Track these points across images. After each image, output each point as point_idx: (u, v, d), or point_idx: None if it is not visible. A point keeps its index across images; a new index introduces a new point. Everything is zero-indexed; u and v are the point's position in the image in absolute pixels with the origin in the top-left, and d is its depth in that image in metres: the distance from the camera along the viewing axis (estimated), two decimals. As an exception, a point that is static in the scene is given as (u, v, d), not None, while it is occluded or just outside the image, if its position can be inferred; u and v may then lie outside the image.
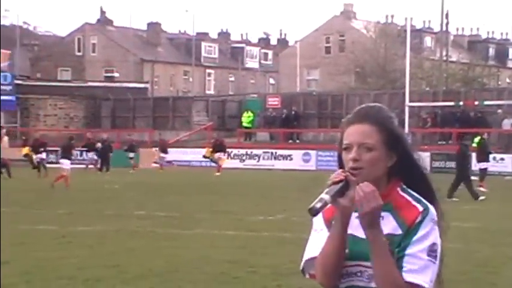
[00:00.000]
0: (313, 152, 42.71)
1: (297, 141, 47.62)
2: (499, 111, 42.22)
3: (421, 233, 2.71)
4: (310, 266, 2.82)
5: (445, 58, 56.39)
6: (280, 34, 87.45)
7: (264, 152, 43.75)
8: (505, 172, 33.11)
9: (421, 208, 2.75)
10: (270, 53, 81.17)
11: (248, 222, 15.68)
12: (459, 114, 42.46)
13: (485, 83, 62.90)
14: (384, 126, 2.78)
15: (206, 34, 78.94)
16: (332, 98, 50.59)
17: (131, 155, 41.29)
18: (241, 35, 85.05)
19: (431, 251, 2.70)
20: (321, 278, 2.76)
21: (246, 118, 50.12)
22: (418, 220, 2.72)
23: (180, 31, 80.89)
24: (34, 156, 34.41)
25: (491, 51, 77.27)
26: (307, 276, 2.86)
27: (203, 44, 74.70)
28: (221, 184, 29.09)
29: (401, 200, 2.78)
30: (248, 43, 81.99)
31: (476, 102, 41.26)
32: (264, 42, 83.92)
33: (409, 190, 2.81)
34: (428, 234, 2.71)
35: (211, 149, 38.07)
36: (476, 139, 34.66)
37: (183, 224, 15.38)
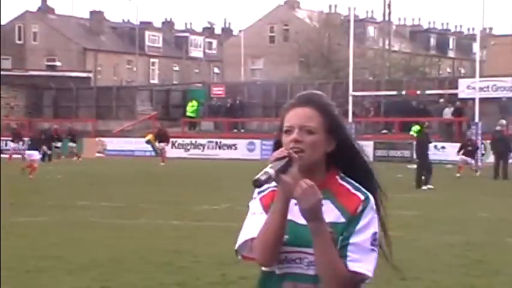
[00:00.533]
0: (257, 141, 42.78)
1: (242, 130, 47.65)
2: (441, 100, 42.84)
3: (363, 222, 2.73)
4: (245, 247, 2.81)
5: (387, 48, 57.02)
6: (225, 23, 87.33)
7: (209, 142, 43.69)
8: (445, 160, 33.59)
9: (362, 196, 2.77)
10: (215, 42, 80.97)
11: (193, 212, 15.65)
12: (401, 103, 42.96)
13: (426, 72, 63.81)
14: (325, 112, 2.81)
15: (150, 23, 78.34)
16: (276, 87, 50.72)
17: (72, 144, 40.69)
18: (186, 24, 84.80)
19: (373, 239, 2.73)
20: (260, 256, 2.74)
21: (191, 107, 49.95)
22: (359, 209, 2.74)
23: (123, 20, 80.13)
24: None
25: (433, 41, 78.38)
26: (240, 257, 2.86)
27: (147, 33, 74.12)
28: (165, 174, 28.96)
29: (340, 188, 2.80)
30: (192, 32, 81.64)
31: (418, 92, 41.77)
32: (208, 31, 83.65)
33: (348, 179, 2.83)
34: (370, 223, 2.74)
35: (154, 137, 37.82)
36: (415, 128, 35.18)
37: (127, 214, 15.27)
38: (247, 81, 59.48)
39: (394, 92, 41.49)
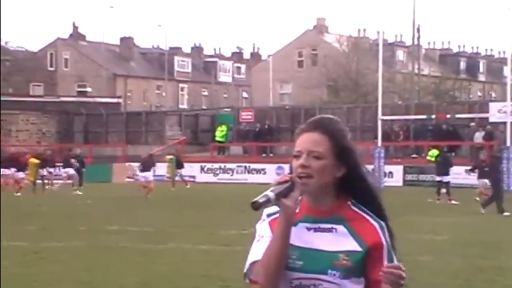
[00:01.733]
0: (286, 166, 42.36)
1: (271, 154, 47.66)
2: (472, 124, 42.58)
3: (389, 252, 2.75)
4: (252, 270, 2.82)
5: (416, 71, 56.86)
6: (253, 48, 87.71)
7: (238, 166, 43.72)
8: (477, 185, 33.31)
9: (377, 225, 2.78)
10: (243, 67, 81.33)
11: (221, 236, 15.65)
12: (431, 127, 42.76)
13: (456, 96, 63.46)
14: (334, 136, 2.80)
15: (179, 48, 78.93)
16: (305, 111, 50.64)
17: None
18: (214, 49, 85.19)
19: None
20: (262, 280, 2.75)
21: (220, 132, 50.09)
22: (381, 239, 2.75)
23: (153, 46, 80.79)
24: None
25: (462, 64, 78.05)
26: (247, 281, 2.86)
27: (176, 58, 74.68)
28: (194, 198, 29.02)
29: (354, 215, 2.79)
30: (221, 57, 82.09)
31: (448, 115, 41.58)
32: (237, 56, 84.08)
33: (359, 205, 2.82)
34: (391, 251, 2.78)
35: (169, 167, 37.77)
36: (431, 152, 34.89)
37: (156, 238, 15.32)
38: (276, 105, 59.54)
39: (424, 116, 41.33)
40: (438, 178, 27.50)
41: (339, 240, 2.73)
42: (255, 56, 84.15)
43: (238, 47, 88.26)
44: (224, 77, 79.22)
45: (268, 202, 2.69)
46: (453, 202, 25.95)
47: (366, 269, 2.73)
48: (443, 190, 27.02)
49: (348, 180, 2.81)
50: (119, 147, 49.65)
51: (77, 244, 14.37)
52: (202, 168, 43.72)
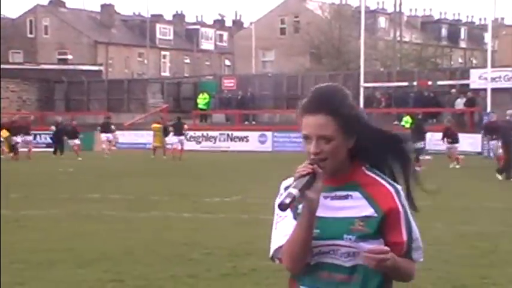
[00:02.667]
0: (269, 133, 42.77)
1: (253, 122, 47.62)
2: (453, 90, 42.68)
3: (406, 217, 2.80)
4: (279, 252, 2.87)
5: (398, 39, 56.81)
6: (235, 15, 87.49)
7: (220, 134, 43.69)
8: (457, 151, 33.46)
9: (391, 188, 2.81)
10: (225, 34, 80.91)
11: (204, 204, 15.65)
12: (413, 94, 42.83)
13: (438, 63, 63.52)
14: (338, 114, 2.79)
15: (160, 16, 78.32)
16: (287, 79, 50.64)
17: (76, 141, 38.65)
18: (196, 16, 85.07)
19: (415, 226, 2.85)
20: (288, 264, 2.83)
21: (202, 100, 49.94)
22: (398, 204, 2.79)
23: (134, 13, 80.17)
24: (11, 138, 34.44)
25: (444, 31, 78.03)
26: (277, 262, 2.91)
27: (158, 25, 74.13)
28: (176, 166, 28.98)
29: (368, 179, 2.83)
30: (203, 25, 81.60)
31: (429, 82, 41.64)
32: (219, 23, 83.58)
33: (374, 170, 2.86)
34: (409, 214, 2.83)
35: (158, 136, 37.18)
36: (406, 119, 35.07)
37: (139, 206, 15.29)
38: (258, 73, 59.39)
39: (406, 83, 41.39)
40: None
41: (354, 206, 2.79)
42: (237, 23, 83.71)
43: (220, 15, 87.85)
44: (206, 45, 78.80)
45: (294, 200, 2.72)
46: (417, 169, 26.08)
47: (383, 233, 2.79)
48: (425, 156, 27.22)
49: (361, 145, 2.84)
50: (100, 115, 49.37)
51: (59, 212, 14.31)
52: (184, 136, 43.59)
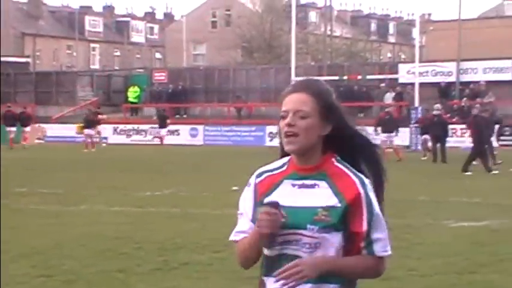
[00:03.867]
0: (200, 127, 42.70)
1: (184, 116, 47.48)
2: (382, 85, 43.30)
3: (370, 208, 2.83)
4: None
5: (329, 33, 57.31)
6: (166, 8, 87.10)
7: (151, 127, 43.41)
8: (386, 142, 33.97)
9: (357, 181, 2.85)
10: (156, 27, 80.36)
11: (135, 198, 15.54)
12: (343, 88, 43.30)
13: (367, 57, 64.38)
14: (320, 97, 2.87)
15: (89, 7, 77.37)
16: (219, 72, 50.61)
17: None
18: (126, 8, 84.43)
19: (383, 219, 2.89)
20: (239, 261, 2.96)
21: (132, 93, 49.55)
22: (361, 196, 2.82)
23: (62, 4, 78.98)
24: None
25: (373, 26, 79.13)
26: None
27: (87, 17, 73.19)
28: (107, 160, 28.70)
29: (336, 170, 2.87)
30: (133, 17, 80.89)
31: (359, 77, 42.15)
32: (150, 16, 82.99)
33: (343, 162, 2.90)
34: (377, 205, 2.87)
35: (81, 127, 37.43)
36: None
37: (68, 200, 15.09)
38: (190, 66, 59.20)
39: (336, 77, 41.78)
40: None
41: (320, 196, 2.82)
42: (168, 16, 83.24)
43: (150, 7, 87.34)
44: (137, 37, 78.13)
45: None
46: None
47: (346, 223, 2.82)
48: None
49: (335, 138, 2.89)
50: (28, 108, 48.42)
51: (-14, 207, 14.01)
52: (115, 130, 43.23)
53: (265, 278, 2.89)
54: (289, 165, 2.89)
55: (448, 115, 33.82)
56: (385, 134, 28.08)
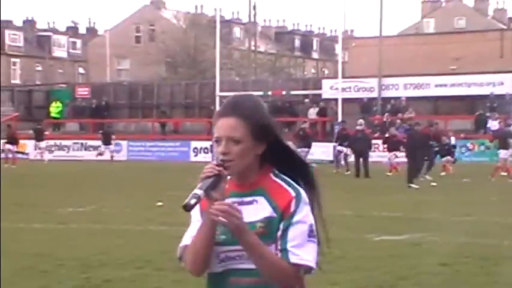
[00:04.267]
0: (124, 143, 42.32)
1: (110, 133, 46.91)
2: (306, 100, 43.74)
3: (298, 217, 2.83)
4: (184, 253, 2.90)
5: (253, 48, 57.68)
6: (89, 23, 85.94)
7: (74, 143, 42.88)
8: (310, 159, 34.36)
9: (293, 192, 2.87)
10: (79, 41, 79.42)
11: (57, 215, 15.30)
12: (268, 103, 43.57)
13: (292, 73, 64.98)
14: (249, 119, 2.87)
15: (10, 22, 75.92)
16: (143, 87, 50.36)
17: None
18: (48, 23, 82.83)
19: (310, 231, 2.86)
20: (190, 265, 2.85)
21: (55, 108, 48.81)
22: (292, 205, 2.84)
23: (-18, 18, 77.23)
24: None
25: (297, 42, 79.93)
26: (183, 264, 2.92)
27: (7, 31, 71.82)
28: (28, 176, 28.18)
29: (273, 184, 2.89)
30: (55, 31, 79.77)
31: (283, 92, 42.51)
32: (72, 30, 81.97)
33: (281, 175, 2.93)
34: (306, 217, 2.85)
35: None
36: None
37: (-13, 218, 14.73)
38: (113, 81, 58.70)
39: (260, 93, 42.02)
40: None
41: (258, 211, 2.84)
42: (91, 30, 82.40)
43: (73, 21, 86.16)
44: (59, 52, 77.07)
45: (198, 201, 2.74)
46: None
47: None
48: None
49: (270, 153, 2.92)
50: None
51: None
52: (36, 146, 42.42)
53: None
54: (228, 185, 2.87)
55: (370, 130, 34.35)
56: (300, 150, 28.49)
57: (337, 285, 8.48)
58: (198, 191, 2.74)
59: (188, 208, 2.73)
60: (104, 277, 8.82)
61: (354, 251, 10.80)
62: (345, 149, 29.94)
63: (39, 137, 40.27)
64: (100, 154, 39.67)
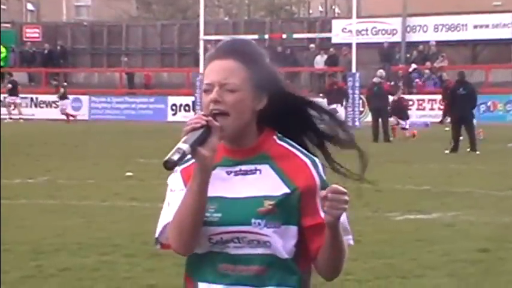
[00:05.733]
0: (84, 98, 42.30)
1: (64, 83, 46.88)
2: (311, 46, 43.64)
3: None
4: (165, 234, 2.85)
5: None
6: None
7: (22, 98, 42.75)
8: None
9: (308, 160, 2.84)
10: (28, -30, 79.03)
11: (2, 187, 15.30)
12: (264, 49, 43.48)
13: (293, 11, 64.77)
14: (251, 63, 2.83)
15: None
16: (108, 29, 50.17)
17: None
18: None
19: None
20: (176, 243, 2.80)
21: (-3, 55, 48.72)
22: (315, 176, 2.82)
23: None
24: None
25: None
26: (159, 246, 2.89)
27: None
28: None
29: (280, 150, 2.86)
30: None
31: (283, 35, 42.38)
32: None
33: (287, 139, 2.88)
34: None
35: None
36: None
37: None
38: (71, 21, 58.49)
39: (255, 36, 41.90)
40: None
41: (263, 183, 2.81)
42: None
43: None
44: (2, -16, 76.69)
45: (184, 157, 2.70)
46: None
47: (299, 215, 2.81)
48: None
49: (272, 111, 2.86)
50: None
51: None
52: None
53: (197, 283, 2.86)
54: (218, 148, 2.81)
55: (391, 83, 34.36)
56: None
57: (350, 274, 8.49)
58: (183, 145, 2.69)
59: (170, 165, 2.68)
60: (60, 265, 8.83)
61: (371, 233, 10.83)
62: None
63: (13, 90, 40.01)
64: (65, 113, 39.67)
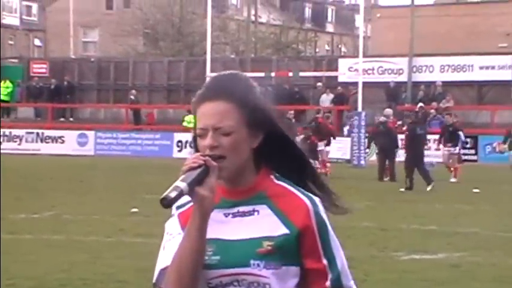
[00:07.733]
0: (90, 133, 42.31)
1: (71, 119, 47.02)
2: (318, 84, 43.71)
3: (326, 235, 2.78)
4: (163, 278, 2.77)
5: (253, 19, 57.64)
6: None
7: (27, 133, 42.81)
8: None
9: (307, 200, 2.78)
10: (35, 6, 79.45)
11: (6, 222, 15.30)
12: (270, 87, 43.56)
13: (300, 50, 64.98)
14: (243, 102, 2.76)
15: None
16: (115, 65, 50.33)
17: None
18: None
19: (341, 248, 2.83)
20: (174, 286, 2.71)
21: (4, 89, 48.81)
22: (312, 217, 2.76)
23: None
24: None
25: (308, 12, 79.92)
26: None
27: None
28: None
29: (277, 189, 2.80)
30: (7, -7, 79.88)
31: (290, 73, 42.48)
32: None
33: (284, 179, 2.82)
34: (331, 232, 2.80)
35: None
36: (188, 118, 36.02)
37: None
38: (78, 57, 58.72)
39: (262, 74, 42.04)
40: None
41: (262, 224, 2.75)
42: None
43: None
44: (10, 19, 77.08)
45: (181, 195, 2.65)
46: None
47: (299, 257, 2.75)
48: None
49: (268, 147, 2.81)
50: None
51: None
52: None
53: None
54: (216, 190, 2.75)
55: (399, 122, 34.35)
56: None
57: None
58: (181, 184, 2.65)
59: (167, 202, 2.64)
60: (65, 301, 8.83)
61: (377, 272, 10.80)
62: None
63: None
64: None
